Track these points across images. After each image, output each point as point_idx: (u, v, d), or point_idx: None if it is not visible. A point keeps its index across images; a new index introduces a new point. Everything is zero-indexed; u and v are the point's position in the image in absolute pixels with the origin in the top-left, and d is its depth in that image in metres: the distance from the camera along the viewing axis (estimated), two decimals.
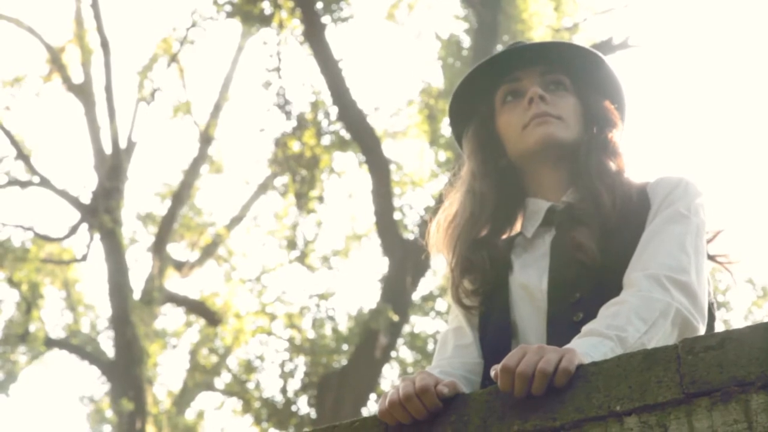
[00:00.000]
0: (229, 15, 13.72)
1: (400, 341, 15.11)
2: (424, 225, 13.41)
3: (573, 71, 2.52)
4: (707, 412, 1.86)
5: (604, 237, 2.33)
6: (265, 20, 13.30)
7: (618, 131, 2.50)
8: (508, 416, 2.01)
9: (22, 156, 15.48)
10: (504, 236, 2.53)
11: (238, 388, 16.98)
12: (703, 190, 2.39)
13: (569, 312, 2.29)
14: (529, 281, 2.39)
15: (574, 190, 2.45)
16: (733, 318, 13.96)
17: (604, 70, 2.53)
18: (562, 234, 2.41)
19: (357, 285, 25.86)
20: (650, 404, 1.91)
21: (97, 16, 15.93)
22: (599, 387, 1.96)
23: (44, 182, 15.57)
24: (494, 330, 2.41)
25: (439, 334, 2.59)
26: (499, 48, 13.11)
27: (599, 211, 2.36)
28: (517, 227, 2.55)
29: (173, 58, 16.10)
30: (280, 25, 13.32)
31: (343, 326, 15.45)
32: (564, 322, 2.30)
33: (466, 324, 2.49)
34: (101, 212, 14.71)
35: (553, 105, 2.46)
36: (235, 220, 17.76)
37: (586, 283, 2.31)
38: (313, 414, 13.50)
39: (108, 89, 15.62)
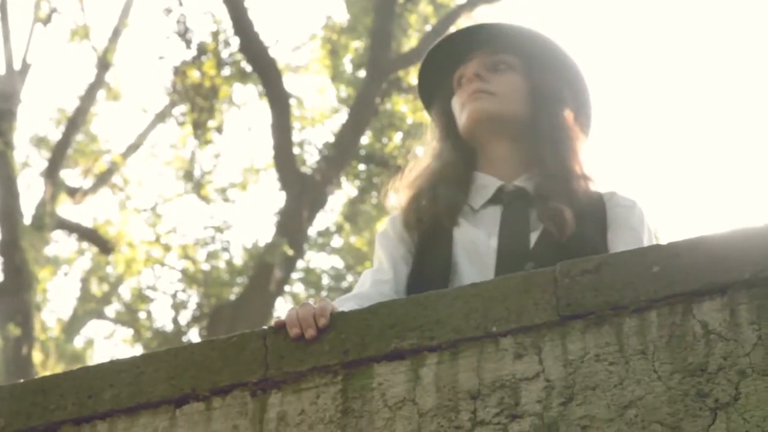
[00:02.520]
0: None
1: (294, 275, 15.12)
2: (322, 161, 13.44)
3: (525, 54, 2.59)
4: (581, 334, 1.90)
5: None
6: None
7: (566, 108, 2.58)
8: (386, 335, 2.02)
9: None
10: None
11: (129, 317, 16.85)
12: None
13: None
14: (477, 237, 2.46)
15: (531, 175, 2.53)
16: None
17: (559, 55, 2.60)
18: (511, 209, 2.49)
19: (253, 218, 25.75)
20: (526, 326, 1.94)
21: None
22: (477, 308, 1.98)
23: None
24: (435, 276, 2.45)
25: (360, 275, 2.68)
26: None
27: (569, 192, 2.47)
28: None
29: None
30: None
31: (238, 259, 15.40)
32: None
33: (388, 264, 2.53)
34: None
35: (489, 82, 2.55)
36: (132, 148, 17.47)
37: (542, 255, 2.37)
38: None
39: (2, 8, 15.19)
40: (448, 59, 2.64)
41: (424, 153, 2.70)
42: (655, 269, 1.88)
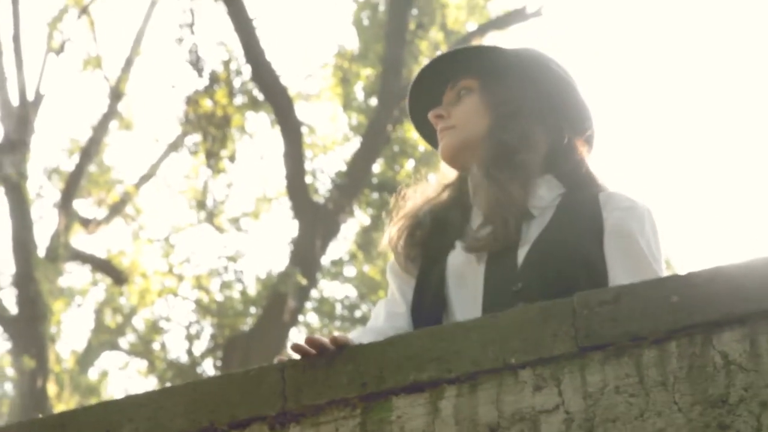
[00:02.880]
0: None
1: (308, 305, 15.11)
2: (335, 189, 13.45)
3: (483, 72, 2.55)
4: (600, 365, 1.88)
5: (541, 235, 2.37)
6: None
7: (528, 109, 2.51)
8: (404, 367, 2.01)
9: None
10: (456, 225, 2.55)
11: (143, 349, 16.85)
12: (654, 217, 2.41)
13: (508, 300, 2.28)
14: (467, 260, 2.42)
15: None
16: None
17: (523, 61, 2.55)
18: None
19: (266, 248, 25.78)
20: (545, 357, 1.93)
21: None
22: (495, 340, 1.97)
23: None
24: (427, 304, 2.44)
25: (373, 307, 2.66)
26: (415, 12, 13.10)
27: (504, 207, 2.40)
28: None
29: (84, 10, 15.79)
30: None
31: (252, 289, 15.40)
32: (502, 309, 2.30)
33: (399, 296, 2.52)
34: (6, 165, 14.42)
35: (449, 117, 2.54)
36: (145, 178, 17.54)
37: (530, 274, 2.32)
38: None
39: (16, 39, 15.27)
40: (427, 106, 2.61)
41: (417, 188, 2.66)
42: (674, 299, 1.88)
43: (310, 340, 2.07)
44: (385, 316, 2.50)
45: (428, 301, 2.44)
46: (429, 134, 2.67)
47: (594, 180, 2.50)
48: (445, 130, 2.54)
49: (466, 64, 2.57)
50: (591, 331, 1.91)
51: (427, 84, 2.61)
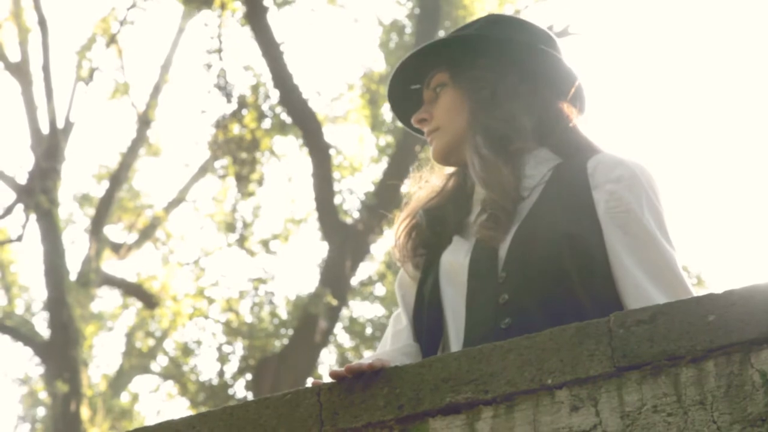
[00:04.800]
0: None
1: (338, 326, 15.11)
2: (364, 210, 13.46)
3: (451, 62, 2.49)
4: (637, 385, 1.88)
5: (525, 219, 2.31)
6: (206, 1, 13.20)
7: (498, 84, 2.42)
8: (441, 388, 2.01)
9: None
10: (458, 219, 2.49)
11: (174, 372, 16.88)
12: (649, 175, 2.29)
13: (494, 292, 2.27)
14: (456, 258, 2.37)
15: None
16: None
17: (486, 42, 2.47)
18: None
19: (296, 269, 25.83)
20: (581, 377, 1.92)
21: None
22: (531, 360, 1.97)
23: None
24: (426, 309, 2.41)
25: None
26: (441, 33, 13.12)
27: (499, 195, 2.33)
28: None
29: (112, 39, 15.92)
30: (222, 7, 13.23)
31: (282, 310, 15.42)
32: (486, 302, 2.28)
33: (402, 308, 2.49)
34: (38, 193, 14.53)
35: (431, 118, 2.48)
36: (174, 203, 17.64)
37: (514, 264, 2.27)
38: (250, 398, 13.46)
39: (45, 69, 15.41)
40: (414, 108, 2.54)
41: (421, 181, 2.58)
42: (711, 318, 1.87)
43: (349, 369, 2.06)
44: (391, 338, 2.46)
45: (425, 307, 2.39)
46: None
47: (585, 145, 2.39)
48: (431, 134, 2.46)
49: (434, 58, 2.49)
50: (628, 351, 1.90)
51: (406, 87, 2.54)
